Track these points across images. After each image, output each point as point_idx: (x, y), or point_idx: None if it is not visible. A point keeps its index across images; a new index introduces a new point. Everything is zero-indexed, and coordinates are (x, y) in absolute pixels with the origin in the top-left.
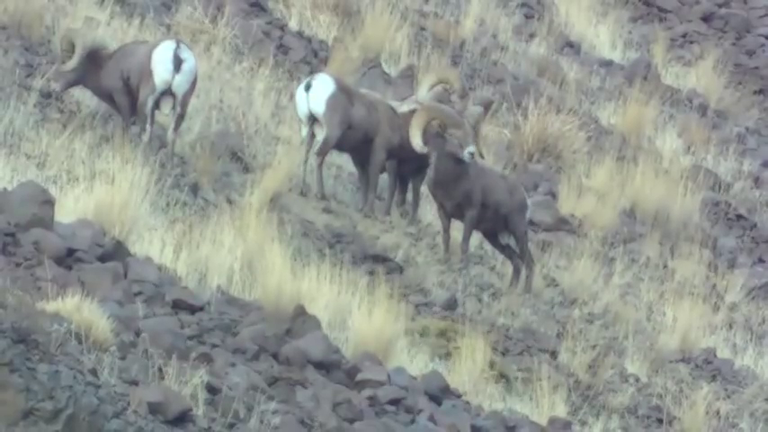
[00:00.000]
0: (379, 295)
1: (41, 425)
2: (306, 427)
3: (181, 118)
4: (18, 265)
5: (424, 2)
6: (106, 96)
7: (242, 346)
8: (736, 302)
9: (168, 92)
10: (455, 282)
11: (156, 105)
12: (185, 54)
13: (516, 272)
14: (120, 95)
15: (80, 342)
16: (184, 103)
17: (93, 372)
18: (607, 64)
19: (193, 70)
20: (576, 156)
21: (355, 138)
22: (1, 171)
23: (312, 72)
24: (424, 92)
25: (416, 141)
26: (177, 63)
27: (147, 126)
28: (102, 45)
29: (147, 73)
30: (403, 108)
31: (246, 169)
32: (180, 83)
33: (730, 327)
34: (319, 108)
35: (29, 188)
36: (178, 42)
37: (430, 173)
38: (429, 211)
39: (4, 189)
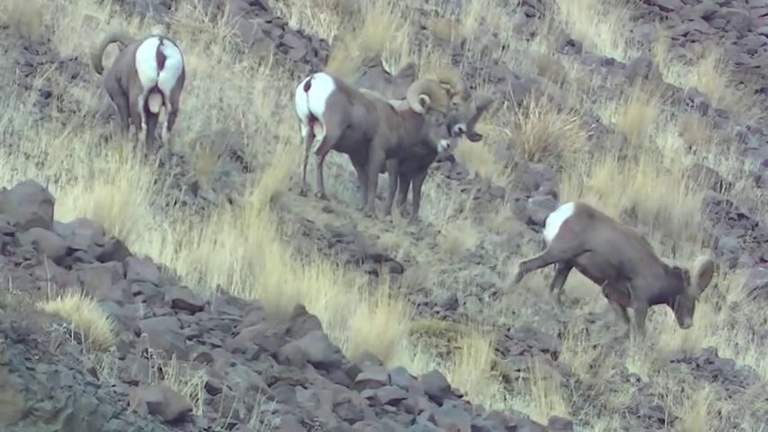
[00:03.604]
0: (379, 295)
1: (41, 425)
2: (306, 427)
3: (173, 115)
4: (17, 264)
5: (425, 0)
6: (111, 98)
7: (242, 346)
8: (738, 302)
9: (156, 89)
10: (456, 282)
11: (147, 104)
12: (169, 50)
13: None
14: (117, 96)
15: (79, 342)
16: (173, 100)
17: (93, 372)
18: (608, 63)
19: (178, 66)
20: (576, 155)
21: (355, 137)
22: (0, 170)
23: (312, 71)
24: None
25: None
26: (161, 60)
27: (143, 125)
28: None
29: (134, 72)
30: (404, 108)
31: (246, 168)
32: (165, 79)
33: (732, 327)
34: (319, 107)
35: (28, 187)
36: (161, 39)
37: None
38: (429, 211)
39: (4, 188)
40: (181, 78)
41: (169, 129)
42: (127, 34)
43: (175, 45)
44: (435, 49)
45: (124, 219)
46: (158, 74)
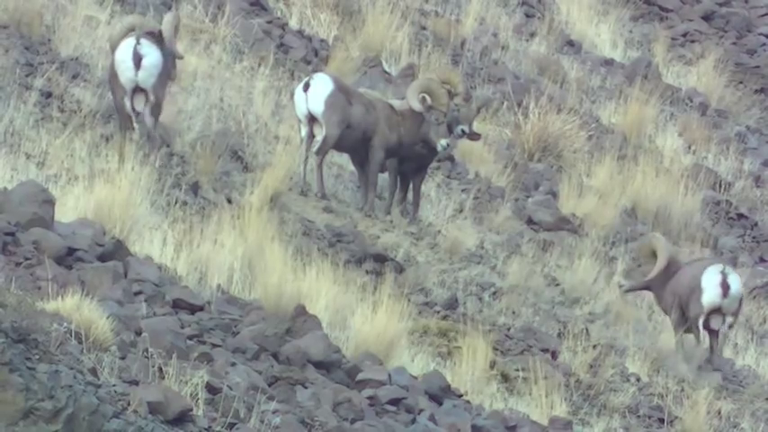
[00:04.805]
0: (379, 295)
1: (41, 424)
2: (306, 426)
3: (156, 107)
4: (18, 264)
5: (425, 1)
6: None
7: (242, 345)
8: None
9: (138, 89)
10: (456, 281)
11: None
12: (145, 49)
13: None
14: (113, 97)
15: (80, 342)
16: (156, 95)
17: (93, 371)
18: (608, 63)
19: (156, 64)
20: (576, 155)
21: (354, 137)
22: (1, 170)
23: (313, 71)
24: None
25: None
26: (137, 60)
27: (135, 125)
28: None
29: (114, 74)
30: (403, 107)
31: (247, 168)
32: (144, 78)
33: (731, 326)
34: (318, 108)
35: (29, 187)
36: (138, 38)
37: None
38: (429, 211)
39: (5, 188)
40: (163, 75)
41: (152, 115)
42: (145, 23)
43: (154, 43)
44: (435, 49)
45: (125, 219)
46: (136, 74)
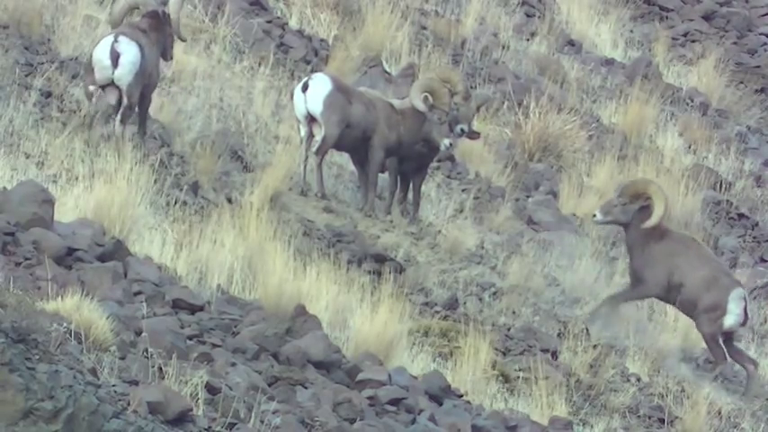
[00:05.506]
0: (379, 295)
1: (41, 424)
2: (306, 427)
3: (128, 109)
4: (18, 264)
5: (425, 0)
6: None
7: (242, 345)
8: None
9: (112, 85)
10: (456, 281)
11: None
12: (123, 47)
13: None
14: (84, 80)
15: (80, 342)
16: (130, 95)
17: (93, 371)
18: (608, 63)
19: (134, 62)
20: (576, 155)
21: (354, 136)
22: (1, 170)
23: (313, 71)
24: None
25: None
26: (114, 58)
27: (113, 121)
28: None
29: (91, 71)
30: (404, 107)
31: (247, 168)
32: (120, 75)
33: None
34: (317, 107)
35: (28, 187)
36: (116, 36)
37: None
38: (429, 211)
39: (4, 188)
40: (138, 74)
41: (122, 122)
42: (148, 1)
43: (133, 40)
44: (435, 49)
45: (124, 219)
46: (113, 72)
